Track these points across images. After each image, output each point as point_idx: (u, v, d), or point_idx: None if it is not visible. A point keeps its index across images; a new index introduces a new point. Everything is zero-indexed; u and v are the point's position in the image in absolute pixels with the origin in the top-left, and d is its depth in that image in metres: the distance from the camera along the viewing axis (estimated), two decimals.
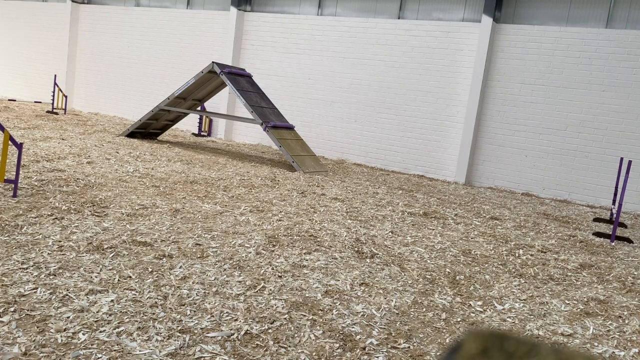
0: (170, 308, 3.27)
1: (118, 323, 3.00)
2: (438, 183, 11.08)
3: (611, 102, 10.31)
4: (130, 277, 3.68)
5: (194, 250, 4.43)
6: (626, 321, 4.00)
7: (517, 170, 11.20)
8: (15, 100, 16.03)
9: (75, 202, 5.38)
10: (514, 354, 0.48)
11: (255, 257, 4.43)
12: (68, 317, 2.99)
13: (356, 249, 5.02)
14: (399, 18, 12.32)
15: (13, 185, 5.43)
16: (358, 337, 3.21)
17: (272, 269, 4.19)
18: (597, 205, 10.36)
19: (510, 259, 5.37)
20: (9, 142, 5.36)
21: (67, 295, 3.27)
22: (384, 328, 3.39)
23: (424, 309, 3.79)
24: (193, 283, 3.71)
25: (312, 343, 3.06)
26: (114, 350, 2.71)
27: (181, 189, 6.76)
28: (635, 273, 5.40)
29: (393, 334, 3.32)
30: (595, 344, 3.55)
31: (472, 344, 0.49)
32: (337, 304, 3.66)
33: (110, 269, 3.77)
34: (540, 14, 10.98)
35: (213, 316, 3.24)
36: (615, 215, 7.54)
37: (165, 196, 6.25)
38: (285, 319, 3.32)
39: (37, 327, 2.85)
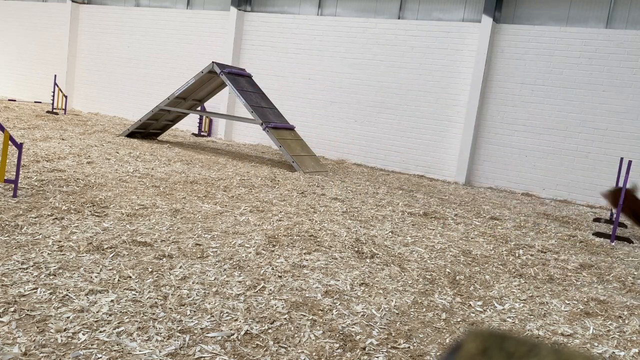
0: (170, 308, 3.27)
1: (118, 323, 3.00)
2: (438, 183, 11.08)
3: (611, 102, 10.31)
4: (130, 277, 3.68)
5: (194, 250, 4.43)
6: (626, 321, 4.00)
7: (517, 170, 11.20)
8: (15, 100, 16.03)
9: (75, 202, 5.38)
10: (514, 354, 0.48)
11: (255, 257, 4.43)
12: (68, 317, 2.99)
13: (356, 249, 5.02)
14: (399, 18, 12.32)
15: (13, 185, 5.43)
16: (358, 337, 3.21)
17: (272, 269, 4.19)
18: (597, 205, 10.36)
19: (510, 259, 5.37)
20: (9, 142, 5.36)
21: (67, 295, 3.27)
22: (384, 328, 3.39)
23: (424, 309, 3.79)
24: (193, 283, 3.71)
25: (312, 343, 3.06)
26: (114, 350, 2.71)
27: (181, 189, 6.77)
28: (635, 273, 5.40)
29: (393, 334, 3.32)
30: (595, 344, 3.55)
31: (472, 344, 0.49)
32: (337, 304, 3.66)
33: (110, 269, 3.78)
34: (540, 14, 10.98)
35: (213, 316, 3.24)
36: (615, 215, 7.54)
37: (165, 196, 6.25)
38: (285, 319, 3.32)
39: (37, 327, 2.85)
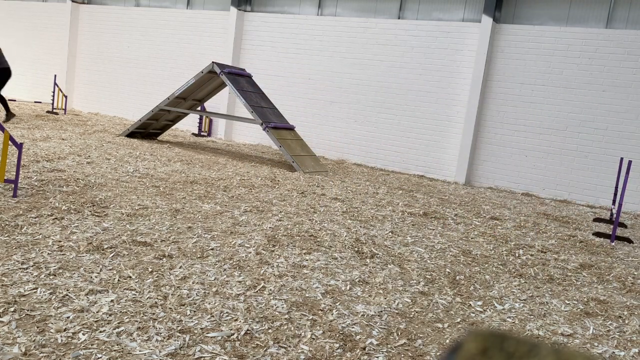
0: (170, 308, 3.27)
1: (118, 323, 3.00)
2: (438, 183, 11.08)
3: (611, 102, 10.31)
4: (130, 277, 3.68)
5: (194, 250, 4.43)
6: (626, 321, 4.01)
7: (517, 170, 11.20)
8: (15, 100, 16.03)
9: (75, 202, 5.38)
10: (514, 354, 0.48)
11: (255, 257, 4.43)
12: (68, 317, 2.99)
13: (356, 249, 5.02)
14: (399, 18, 12.32)
15: (13, 185, 5.43)
16: (358, 337, 3.21)
17: (272, 269, 4.20)
18: (597, 205, 10.36)
19: (510, 259, 5.37)
20: (9, 142, 5.36)
21: (67, 295, 3.27)
22: (384, 328, 3.39)
23: (424, 309, 3.79)
24: (193, 283, 3.71)
25: (312, 343, 3.06)
26: (114, 350, 2.71)
27: (181, 189, 6.77)
28: (635, 273, 5.40)
29: (393, 334, 3.32)
30: (595, 344, 3.55)
31: (472, 344, 0.49)
32: (337, 304, 3.66)
33: (110, 269, 3.78)
34: (540, 14, 10.98)
35: (213, 316, 3.24)
36: (615, 215, 7.54)
37: (165, 196, 6.25)
38: (285, 319, 3.32)
39: (37, 327, 2.85)
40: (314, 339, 3.11)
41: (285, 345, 2.99)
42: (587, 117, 10.53)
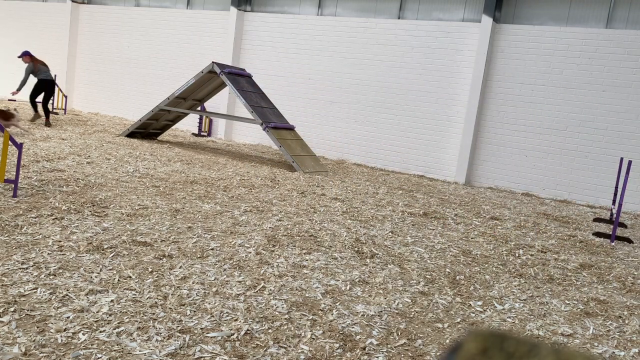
0: (170, 308, 3.27)
1: (118, 323, 3.00)
2: (438, 183, 11.07)
3: (611, 102, 10.31)
4: (130, 277, 3.68)
5: (194, 250, 4.43)
6: (626, 321, 4.01)
7: (517, 170, 11.20)
8: (15, 101, 16.03)
9: (75, 202, 5.38)
10: (514, 354, 0.48)
11: (255, 257, 4.43)
12: (68, 317, 2.99)
13: (356, 249, 5.02)
14: (399, 18, 12.32)
15: (13, 185, 5.43)
16: (358, 337, 3.21)
17: (272, 269, 4.19)
18: (597, 205, 10.35)
19: (510, 259, 5.37)
20: (9, 142, 5.36)
21: (67, 295, 3.27)
22: (384, 328, 3.39)
23: (424, 309, 3.79)
24: (193, 283, 3.71)
25: (312, 343, 3.06)
26: (114, 350, 2.71)
27: (181, 189, 6.76)
28: (635, 273, 5.40)
29: (393, 334, 3.32)
30: (595, 344, 3.55)
31: (472, 344, 0.49)
32: (337, 304, 3.66)
33: (110, 269, 3.77)
34: (540, 14, 10.98)
35: (213, 316, 3.24)
36: (615, 215, 7.54)
37: (165, 196, 6.24)
38: (285, 319, 3.32)
39: (37, 327, 2.85)
40: (314, 339, 3.11)
41: (285, 345, 2.99)
42: (587, 117, 10.52)
